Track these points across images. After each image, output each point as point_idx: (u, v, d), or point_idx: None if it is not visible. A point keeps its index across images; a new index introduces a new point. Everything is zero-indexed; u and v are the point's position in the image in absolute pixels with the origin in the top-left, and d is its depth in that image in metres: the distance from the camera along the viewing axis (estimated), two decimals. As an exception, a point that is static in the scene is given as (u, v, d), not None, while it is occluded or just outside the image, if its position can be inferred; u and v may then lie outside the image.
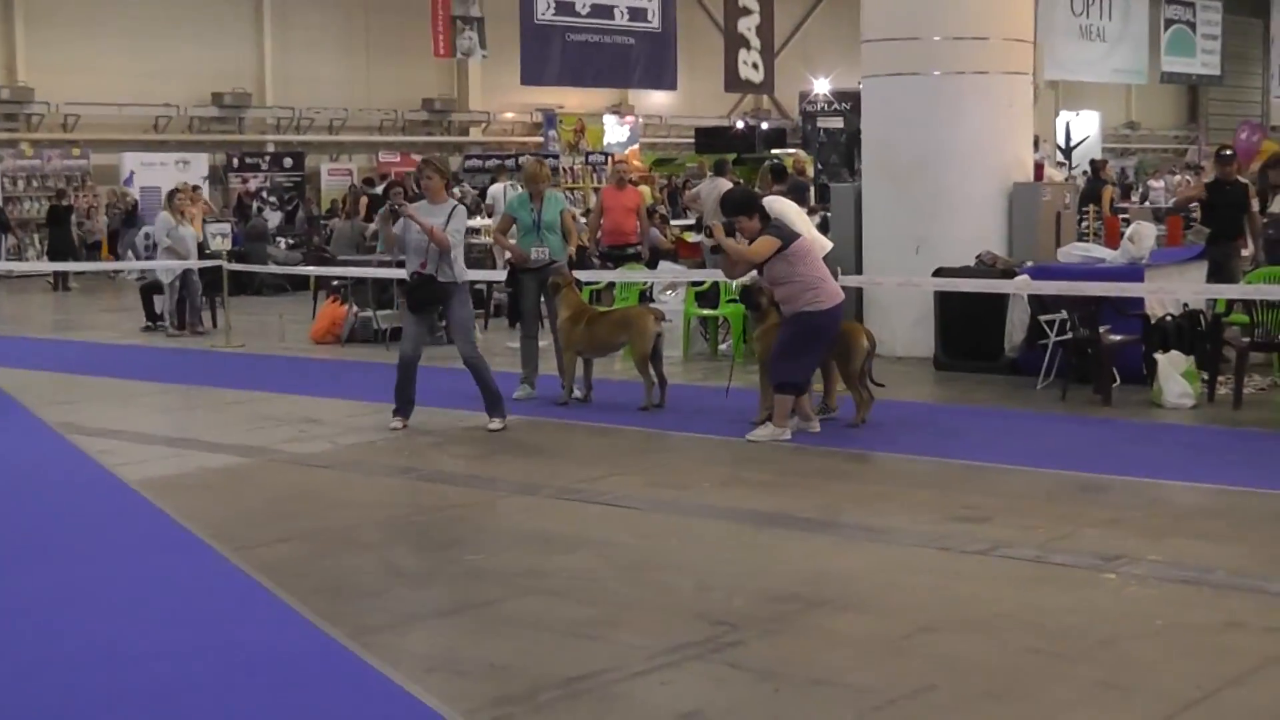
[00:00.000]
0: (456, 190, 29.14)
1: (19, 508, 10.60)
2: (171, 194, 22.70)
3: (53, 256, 31.78)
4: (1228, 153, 17.69)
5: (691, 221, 28.24)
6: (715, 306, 17.93)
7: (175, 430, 13.82)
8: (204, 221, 27.45)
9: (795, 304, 12.01)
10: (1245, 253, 16.59)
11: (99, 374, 17.71)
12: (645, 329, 13.89)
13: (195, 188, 31.72)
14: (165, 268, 21.34)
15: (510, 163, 37.50)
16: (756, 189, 18.14)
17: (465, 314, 13.14)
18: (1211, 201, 16.92)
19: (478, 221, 29.98)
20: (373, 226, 23.11)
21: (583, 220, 24.95)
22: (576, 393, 14.34)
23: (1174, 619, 7.29)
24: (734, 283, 14.41)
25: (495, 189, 28.10)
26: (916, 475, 10.98)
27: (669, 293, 18.32)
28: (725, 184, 20.99)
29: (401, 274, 19.64)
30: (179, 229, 21.26)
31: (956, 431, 12.75)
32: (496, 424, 12.89)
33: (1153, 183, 40.62)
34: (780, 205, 14.21)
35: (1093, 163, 31.84)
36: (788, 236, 12.10)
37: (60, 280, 31.49)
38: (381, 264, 20.53)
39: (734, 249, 12.16)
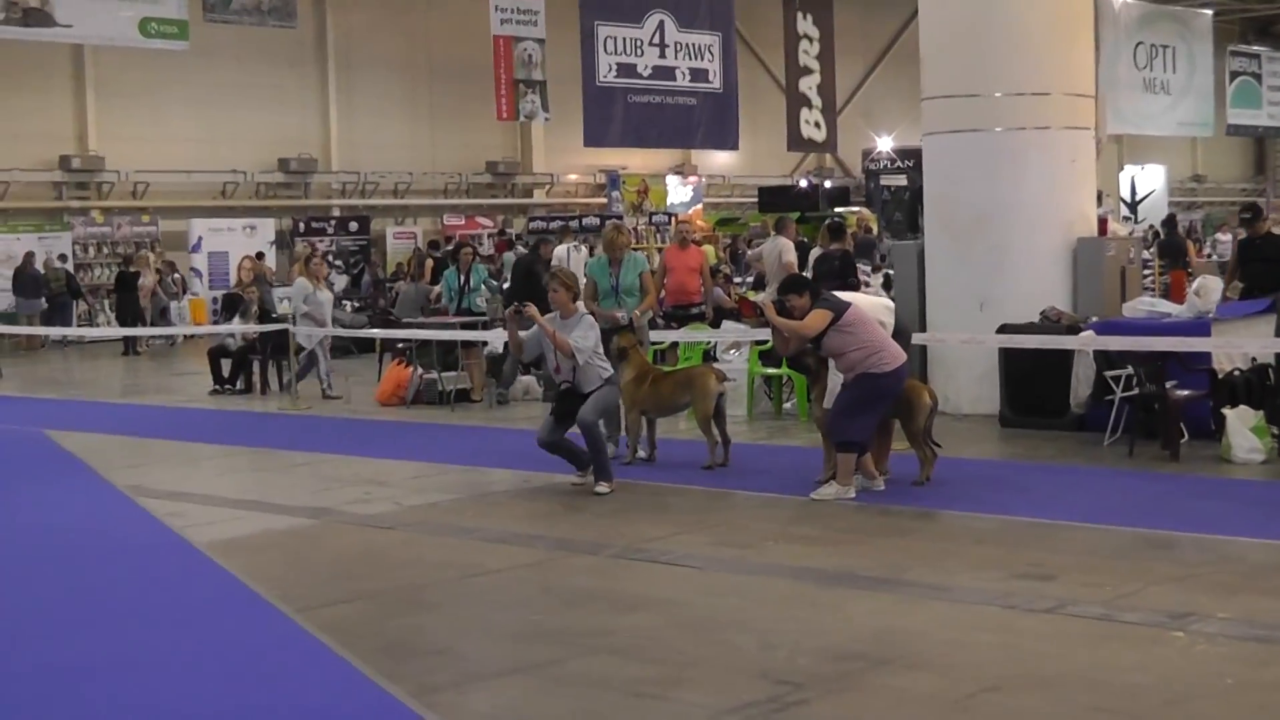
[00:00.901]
0: (515, 250, 29.39)
1: (89, 570, 10.65)
2: (308, 259, 22.70)
3: (121, 321, 32.03)
4: (1247, 215, 17.74)
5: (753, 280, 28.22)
6: (779, 365, 17.90)
7: (241, 492, 13.85)
8: (272, 285, 27.72)
9: (859, 368, 12.01)
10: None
11: (167, 437, 17.86)
12: (707, 389, 13.89)
13: (261, 255, 31.99)
14: (306, 333, 21.30)
15: (574, 224, 37.77)
16: (817, 246, 18.21)
17: (602, 396, 13.00)
18: (1243, 258, 16.90)
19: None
20: (437, 289, 23.25)
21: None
22: (641, 452, 14.34)
23: (1245, 678, 7.21)
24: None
25: (559, 250, 28.25)
26: (981, 532, 10.91)
27: (733, 351, 18.31)
28: (787, 242, 21.05)
29: (467, 336, 19.92)
30: (316, 294, 21.15)
31: (1022, 488, 12.66)
32: (603, 488, 12.78)
33: (1220, 236, 40.31)
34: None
35: (1172, 218, 31.71)
36: (839, 307, 12.09)
37: (130, 345, 31.80)
38: (445, 326, 20.64)
39: (786, 325, 12.23)
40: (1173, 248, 31.49)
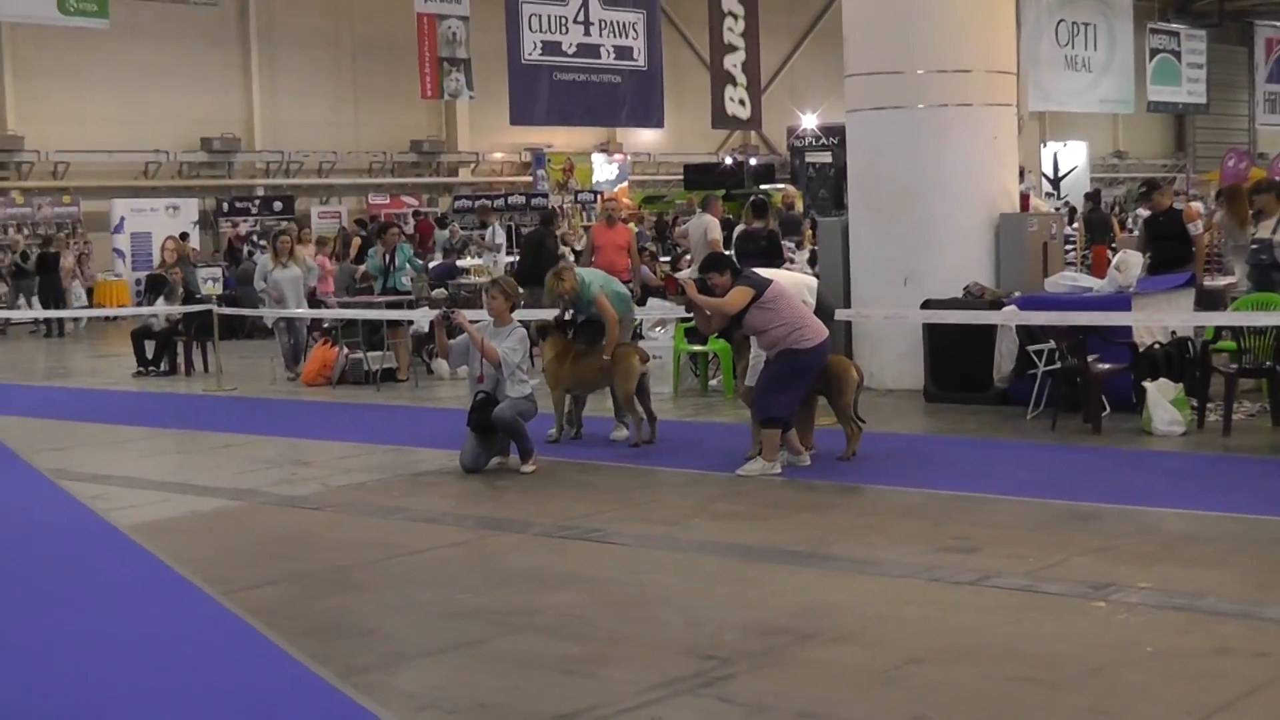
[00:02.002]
0: (449, 229, 29.32)
1: (11, 553, 10.61)
2: (275, 235, 22.27)
3: (44, 303, 31.76)
4: (1144, 190, 17.97)
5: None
6: (705, 342, 17.92)
7: (166, 474, 13.83)
8: (195, 266, 27.56)
9: (780, 344, 12.04)
10: (1231, 279, 16.63)
11: (90, 419, 17.81)
12: (630, 368, 13.88)
13: (185, 236, 31.75)
14: (268, 314, 21.29)
15: (498, 203, 37.71)
16: (741, 225, 18.24)
17: (519, 405, 12.85)
18: (1149, 235, 17.10)
19: (467, 261, 30.10)
20: (363, 268, 23.12)
21: (571, 257, 25.03)
22: (568, 430, 14.35)
23: (1164, 646, 7.28)
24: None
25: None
26: (906, 507, 10.98)
27: (659, 329, 18.32)
28: (712, 219, 21.06)
29: (393, 315, 19.84)
30: (274, 273, 20.94)
31: (946, 462, 12.75)
32: (529, 467, 12.83)
33: (1142, 211, 40.47)
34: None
35: (1097, 193, 31.86)
36: (760, 284, 12.11)
37: (54, 326, 31.53)
38: (371, 305, 20.57)
39: (708, 302, 12.26)
40: (1097, 223, 31.73)
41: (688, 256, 23.13)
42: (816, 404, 12.71)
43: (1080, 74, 40.28)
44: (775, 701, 6.67)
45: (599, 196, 38.28)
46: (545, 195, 39.85)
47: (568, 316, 14.41)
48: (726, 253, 16.40)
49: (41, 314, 31.26)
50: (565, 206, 38.81)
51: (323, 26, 40.53)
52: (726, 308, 12.11)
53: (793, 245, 22.97)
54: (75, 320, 32.03)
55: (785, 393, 12.07)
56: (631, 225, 27.76)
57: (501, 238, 29.18)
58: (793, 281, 13.49)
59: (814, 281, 14.17)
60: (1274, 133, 55.46)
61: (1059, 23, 38.94)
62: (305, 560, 10.00)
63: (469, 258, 30.70)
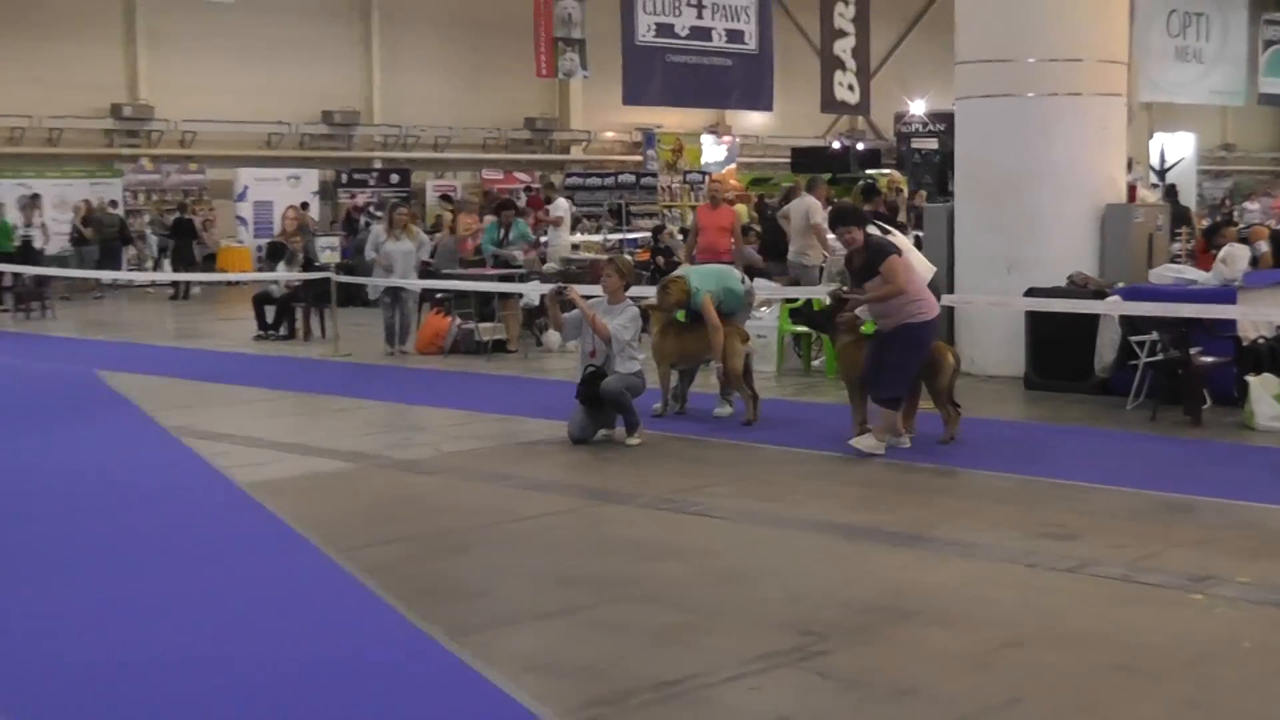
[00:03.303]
0: (562, 202, 29.34)
1: (136, 510, 10.74)
2: (393, 207, 22.29)
3: (175, 266, 32.14)
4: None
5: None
6: (808, 323, 17.84)
7: (284, 435, 13.93)
8: (315, 235, 27.75)
9: (898, 317, 11.99)
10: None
11: (213, 380, 18.00)
12: (733, 348, 13.89)
13: (305, 205, 32.00)
14: (375, 283, 21.22)
15: (610, 180, 37.73)
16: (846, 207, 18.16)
17: (628, 379, 12.91)
18: None
19: (579, 237, 30.18)
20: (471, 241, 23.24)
21: (680, 238, 24.98)
22: (673, 405, 14.37)
23: (1263, 642, 7.19)
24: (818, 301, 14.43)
25: (561, 201, 28.65)
26: (1004, 492, 10.90)
27: (763, 309, 18.25)
28: (815, 202, 20.93)
29: (505, 288, 19.92)
30: (386, 244, 20.74)
31: (1045, 450, 12.65)
32: (634, 440, 12.87)
33: (1248, 205, 39.86)
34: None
35: (1173, 188, 31.38)
36: (896, 249, 12.11)
37: (181, 289, 31.94)
38: (484, 277, 20.65)
39: (878, 293, 12.00)
40: (1175, 218, 31.35)
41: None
42: (920, 388, 12.63)
43: (1191, 65, 39.70)
44: (871, 678, 6.66)
45: (707, 177, 38.20)
46: (654, 174, 39.84)
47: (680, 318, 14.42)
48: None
49: (172, 276, 31.66)
50: (674, 186, 38.80)
51: (442, 4, 40.65)
52: (895, 286, 11.94)
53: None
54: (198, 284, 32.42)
55: (903, 370, 12.06)
56: (740, 206, 27.72)
57: (563, 210, 28.93)
58: (917, 258, 13.45)
59: (934, 269, 13.96)
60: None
61: (1171, 12, 38.37)
62: (418, 523, 10.10)
63: (579, 234, 30.80)
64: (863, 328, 13.05)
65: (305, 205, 33.39)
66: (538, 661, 6.98)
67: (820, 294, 16.47)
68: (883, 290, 11.90)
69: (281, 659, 7.16)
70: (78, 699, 6.57)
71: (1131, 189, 17.99)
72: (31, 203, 31.05)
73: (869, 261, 12.08)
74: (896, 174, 35.19)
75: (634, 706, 6.34)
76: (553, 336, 19.75)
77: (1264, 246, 18.35)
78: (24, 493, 11.26)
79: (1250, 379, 13.46)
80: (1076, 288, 15.49)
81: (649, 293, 15.05)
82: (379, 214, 33.05)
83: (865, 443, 12.10)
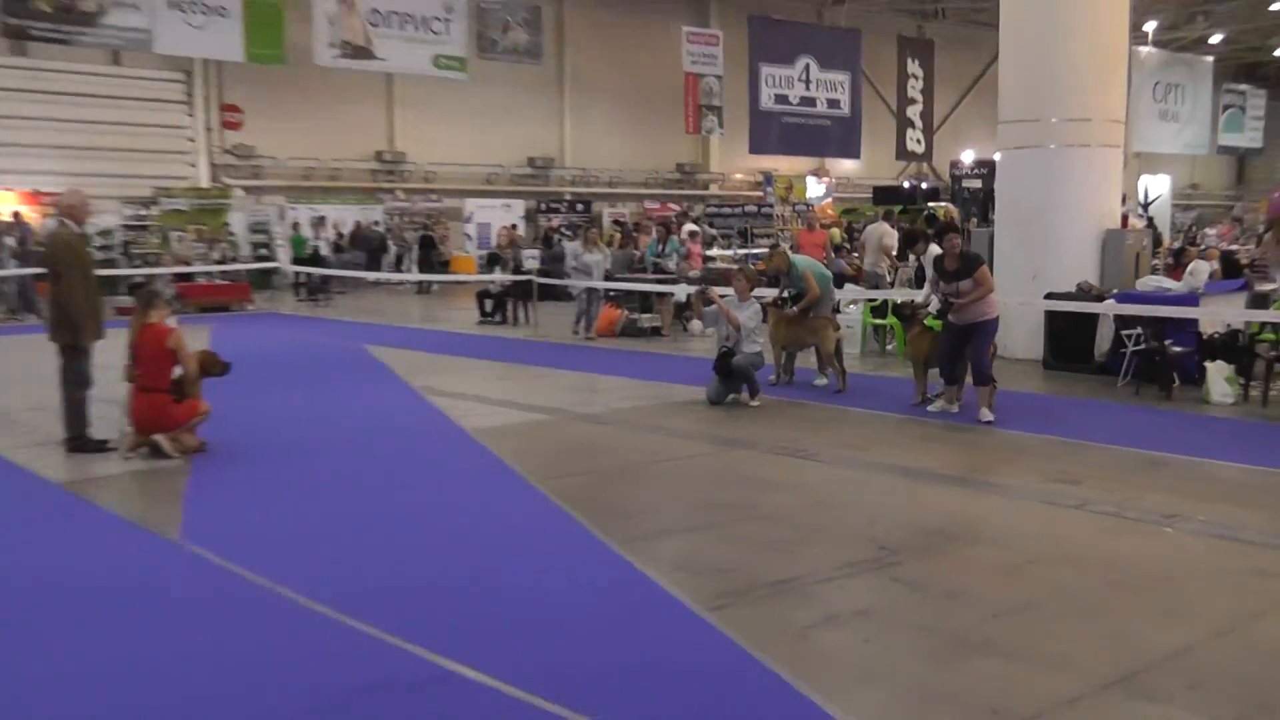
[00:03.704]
0: (699, 228, 29.34)
1: (394, 444, 10.93)
2: (586, 228, 22.40)
3: (420, 270, 32.68)
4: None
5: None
6: (884, 317, 17.83)
7: (498, 394, 14.04)
8: (521, 248, 27.97)
9: (989, 311, 12.00)
10: (1274, 285, 16.03)
11: (447, 353, 18.17)
12: (827, 335, 13.98)
13: (515, 226, 32.27)
14: (574, 285, 21.10)
15: (739, 210, 37.45)
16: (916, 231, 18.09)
17: (750, 358, 12.95)
18: None
19: (714, 250, 30.14)
20: (639, 252, 23.35)
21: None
22: (784, 377, 14.41)
23: (1216, 565, 7.14)
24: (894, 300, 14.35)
25: (689, 227, 28.43)
26: (1027, 446, 10.81)
27: (851, 306, 18.23)
28: (888, 228, 20.82)
29: (660, 288, 19.99)
30: (584, 255, 20.79)
31: (1056, 416, 12.51)
32: (755, 402, 12.89)
33: (1208, 230, 39.36)
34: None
35: (1150, 220, 30.86)
36: (983, 259, 12.11)
37: (425, 287, 32.42)
38: (642, 280, 20.78)
39: (978, 292, 11.86)
40: (1154, 241, 30.67)
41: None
42: (967, 366, 12.55)
43: (1170, 124, 39.15)
44: (930, 583, 6.71)
45: (810, 208, 38.07)
46: (771, 206, 39.65)
47: (786, 295, 14.49)
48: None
49: (419, 277, 32.17)
50: (785, 214, 38.59)
51: (616, 79, 40.75)
52: (988, 289, 11.91)
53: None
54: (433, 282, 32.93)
55: (979, 355, 12.02)
56: (832, 231, 27.60)
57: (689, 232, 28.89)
58: None
59: None
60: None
61: (1156, 84, 37.86)
62: (595, 460, 10.19)
63: (715, 247, 30.75)
64: (926, 321, 13.01)
65: (514, 226, 33.59)
66: (682, 563, 7.07)
67: (892, 295, 16.44)
68: (980, 291, 11.82)
69: (497, 554, 7.33)
70: (365, 575, 6.78)
71: (1124, 218, 17.72)
72: (319, 223, 31.65)
73: (964, 266, 11.97)
74: (951, 206, 34.67)
75: (753, 598, 6.43)
76: (696, 324, 19.88)
77: (1215, 264, 18.06)
78: (316, 432, 11.52)
79: (1208, 364, 13.39)
80: (1083, 293, 15.33)
81: (768, 293, 15.11)
82: (569, 233, 33.33)
83: (938, 405, 12.20)
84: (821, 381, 14.25)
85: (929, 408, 12.27)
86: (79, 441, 10.42)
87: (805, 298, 14.14)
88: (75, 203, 10.62)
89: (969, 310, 11.95)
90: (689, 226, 28.77)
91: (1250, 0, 42.38)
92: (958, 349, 12.17)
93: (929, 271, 14.56)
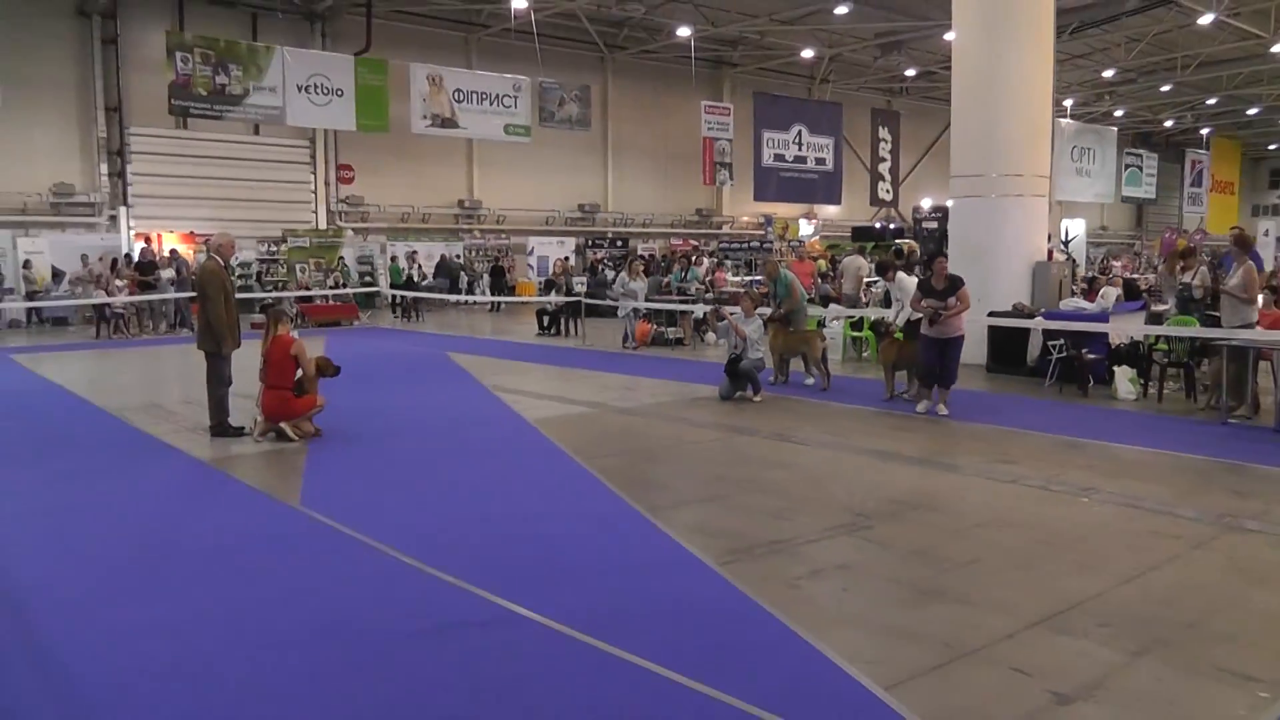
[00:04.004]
0: (724, 261, 29.25)
1: (470, 431, 10.96)
2: (630, 261, 22.12)
3: (493, 293, 32.79)
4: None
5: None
6: (860, 330, 17.73)
7: (553, 391, 14.07)
8: (571, 275, 28.00)
9: (962, 328, 11.79)
10: (1166, 307, 15.89)
11: (511, 359, 18.19)
12: (815, 344, 13.92)
13: (568, 258, 32.24)
14: (623, 306, 20.50)
15: (744, 245, 37.20)
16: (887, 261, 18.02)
17: (755, 362, 12.94)
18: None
19: (728, 277, 29.98)
20: (667, 280, 23.31)
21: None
22: (780, 378, 14.35)
23: (1121, 528, 7.07)
24: (883, 318, 14.21)
25: (708, 263, 28.31)
26: (975, 434, 10.74)
27: (835, 321, 18.14)
28: (860, 259, 20.73)
29: (681, 307, 19.89)
30: (630, 283, 20.46)
31: (997, 409, 12.41)
32: (758, 398, 12.84)
33: (1114, 262, 39.40)
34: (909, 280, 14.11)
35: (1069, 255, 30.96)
36: (963, 282, 11.82)
37: (496, 306, 32.46)
38: (667, 301, 20.73)
39: (960, 307, 11.57)
40: (1072, 272, 30.42)
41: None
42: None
43: (1084, 178, 39.04)
44: (897, 543, 6.66)
45: (801, 244, 37.94)
46: (772, 242, 39.47)
47: (782, 311, 14.45)
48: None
49: (491, 299, 32.26)
50: (782, 249, 38.43)
51: (648, 142, 40.68)
52: (967, 304, 11.64)
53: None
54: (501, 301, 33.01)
55: (954, 362, 11.80)
56: (819, 261, 27.49)
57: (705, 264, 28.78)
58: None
59: None
60: (1193, 217, 52.87)
61: (1073, 147, 37.88)
62: (630, 443, 10.17)
63: (729, 275, 30.64)
64: (895, 334, 12.92)
65: (567, 258, 33.69)
66: (698, 526, 7.06)
67: (867, 314, 16.34)
68: (961, 306, 11.53)
69: (549, 518, 7.31)
70: (445, 534, 6.78)
71: (1049, 253, 17.56)
72: (411, 256, 31.77)
73: (951, 285, 11.64)
74: (913, 243, 34.41)
75: (756, 555, 6.40)
76: (711, 336, 19.85)
77: (1119, 290, 17.98)
78: (407, 420, 11.53)
79: (1116, 368, 13.33)
80: (1018, 311, 15.19)
81: (767, 311, 15.10)
82: (611, 264, 33.30)
83: (923, 406, 11.89)
84: (810, 381, 14.20)
85: (916, 408, 11.96)
86: (220, 428, 10.48)
87: (788, 302, 14.27)
88: (224, 243, 10.78)
89: (949, 325, 11.64)
90: (707, 263, 28.83)
91: (1144, 84, 42.74)
92: (938, 358, 11.77)
93: (894, 293, 14.52)
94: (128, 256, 26.36)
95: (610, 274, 28.38)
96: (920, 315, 11.94)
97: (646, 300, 21.01)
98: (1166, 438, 10.44)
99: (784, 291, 14.47)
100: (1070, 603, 5.57)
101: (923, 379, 12.08)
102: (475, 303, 33.06)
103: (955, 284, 11.70)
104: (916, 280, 13.50)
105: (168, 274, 25.00)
